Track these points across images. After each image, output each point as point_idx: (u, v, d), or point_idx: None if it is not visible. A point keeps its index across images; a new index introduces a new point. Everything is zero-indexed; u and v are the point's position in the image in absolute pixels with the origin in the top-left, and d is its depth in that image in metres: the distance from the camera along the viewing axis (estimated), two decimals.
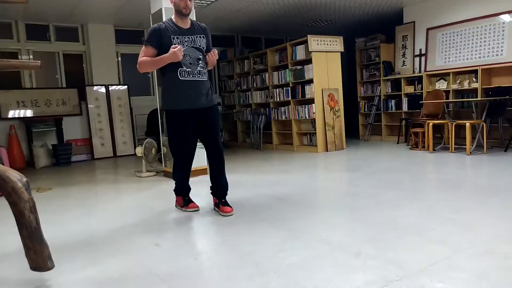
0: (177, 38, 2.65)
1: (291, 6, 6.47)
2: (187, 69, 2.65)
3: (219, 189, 2.85)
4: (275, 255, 1.93)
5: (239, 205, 2.99)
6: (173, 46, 2.54)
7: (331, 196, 3.34)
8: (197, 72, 2.69)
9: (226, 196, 2.88)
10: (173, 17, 2.75)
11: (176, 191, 3.01)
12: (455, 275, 1.59)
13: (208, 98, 2.74)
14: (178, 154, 2.82)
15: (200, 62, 2.71)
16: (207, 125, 2.74)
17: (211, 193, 2.90)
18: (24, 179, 1.82)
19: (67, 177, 5.06)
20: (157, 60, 2.61)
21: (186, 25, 2.73)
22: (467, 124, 4.74)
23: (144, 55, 2.62)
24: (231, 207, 2.79)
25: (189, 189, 3.01)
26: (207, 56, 2.74)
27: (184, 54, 2.59)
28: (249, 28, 7.98)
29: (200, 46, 2.72)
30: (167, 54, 2.53)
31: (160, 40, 2.62)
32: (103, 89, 6.96)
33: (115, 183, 4.51)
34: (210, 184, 2.89)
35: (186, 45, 2.66)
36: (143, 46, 2.65)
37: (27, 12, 5.92)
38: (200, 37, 2.74)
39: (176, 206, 3.02)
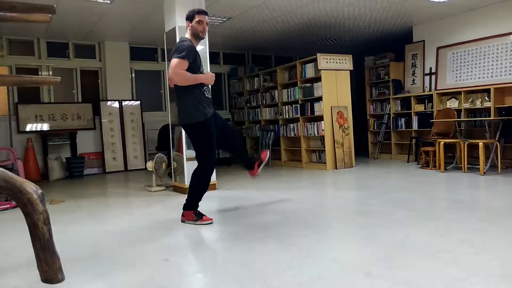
0: (200, 59, 2.99)
1: (301, 25, 6.58)
2: (208, 88, 3.03)
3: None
4: (284, 273, 1.92)
5: (248, 222, 2.99)
6: (211, 73, 3.03)
7: (341, 214, 3.32)
8: (209, 91, 3.07)
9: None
10: (188, 36, 2.99)
11: (189, 205, 3.04)
12: None
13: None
14: (210, 159, 3.02)
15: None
16: (219, 121, 3.16)
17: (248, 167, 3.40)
18: (40, 191, 1.87)
19: (79, 190, 5.13)
20: (196, 78, 2.90)
21: (197, 47, 3.01)
22: (480, 144, 4.68)
23: (182, 68, 2.82)
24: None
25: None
26: None
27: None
28: (260, 46, 8.12)
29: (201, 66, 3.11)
30: (205, 76, 2.95)
31: (193, 58, 2.89)
32: (116, 104, 7.11)
33: (125, 196, 4.55)
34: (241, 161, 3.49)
35: (203, 67, 3.07)
36: (179, 59, 2.80)
37: (49, 30, 6.15)
38: (199, 58, 3.07)
39: (184, 221, 3.04)
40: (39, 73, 6.66)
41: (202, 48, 3.20)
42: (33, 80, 2.15)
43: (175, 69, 2.79)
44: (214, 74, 3.04)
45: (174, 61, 2.80)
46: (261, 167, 3.38)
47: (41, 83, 2.03)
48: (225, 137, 3.22)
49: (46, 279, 1.84)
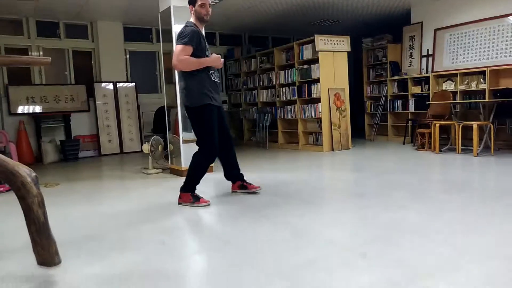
0: (205, 42, 2.97)
1: (298, 6, 6.45)
2: (215, 72, 3.01)
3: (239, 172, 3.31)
4: (281, 254, 1.94)
5: (245, 203, 3.00)
6: (217, 55, 2.95)
7: (337, 196, 3.34)
8: (217, 75, 3.04)
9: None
10: (193, 20, 2.97)
11: (186, 187, 3.03)
12: (461, 278, 1.59)
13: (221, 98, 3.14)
14: (212, 145, 2.98)
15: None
16: (223, 120, 3.13)
17: (232, 179, 3.30)
18: (33, 174, 1.84)
19: (74, 173, 5.11)
20: (201, 62, 2.88)
21: (203, 30, 3.00)
22: (475, 126, 4.70)
23: (185, 54, 2.82)
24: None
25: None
26: None
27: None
28: (256, 27, 7.98)
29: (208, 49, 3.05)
30: (211, 59, 2.91)
31: (198, 42, 2.87)
32: (111, 86, 7.01)
33: (121, 179, 4.54)
34: (226, 173, 3.31)
35: (209, 51, 3.03)
36: (182, 46, 2.82)
37: (38, 9, 5.98)
38: (206, 41, 3.04)
39: (181, 203, 3.04)
40: (29, 53, 6.50)
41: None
42: (23, 60, 2.09)
43: (178, 56, 2.79)
44: (220, 55, 2.97)
45: (178, 47, 2.81)
46: (242, 190, 3.29)
47: (31, 64, 1.98)
48: (221, 136, 3.12)
49: (42, 262, 1.83)
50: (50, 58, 1.94)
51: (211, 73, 2.96)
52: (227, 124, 3.25)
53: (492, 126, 4.86)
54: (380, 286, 1.54)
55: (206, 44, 3.01)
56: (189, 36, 2.82)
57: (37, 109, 6.45)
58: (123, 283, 1.71)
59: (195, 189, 3.05)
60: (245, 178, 3.34)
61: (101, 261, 1.97)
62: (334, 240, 2.11)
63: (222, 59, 2.99)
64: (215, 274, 1.79)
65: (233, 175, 3.31)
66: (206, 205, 2.96)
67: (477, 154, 4.77)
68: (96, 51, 6.99)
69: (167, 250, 2.12)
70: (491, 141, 4.88)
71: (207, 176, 3.44)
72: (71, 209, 3.16)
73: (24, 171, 1.82)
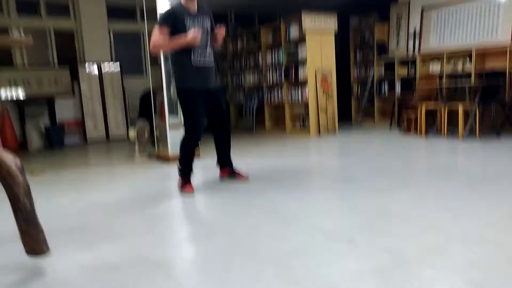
0: (191, 21, 2.78)
1: None
2: (200, 51, 2.81)
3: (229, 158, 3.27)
4: (268, 241, 1.96)
5: (233, 190, 3.01)
6: (193, 30, 2.68)
7: (323, 182, 3.37)
8: (208, 54, 2.87)
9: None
10: (182, 1, 2.84)
11: (179, 170, 3.01)
12: (447, 262, 1.63)
13: (216, 81, 2.98)
14: (193, 128, 2.93)
15: (208, 44, 2.90)
16: (216, 103, 2.99)
17: (221, 164, 3.25)
18: (19, 162, 1.81)
19: (60, 160, 5.03)
20: (174, 43, 2.72)
21: (194, 8, 2.84)
22: (460, 109, 4.76)
23: (158, 36, 2.70)
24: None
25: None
26: (214, 33, 2.91)
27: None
28: (242, 4, 7.78)
29: (207, 29, 2.88)
30: (182, 38, 2.68)
31: (174, 22, 2.72)
32: (95, 68, 6.82)
33: (108, 166, 4.49)
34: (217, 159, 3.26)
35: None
36: (157, 27, 2.72)
37: None
38: (207, 20, 2.88)
39: (183, 191, 2.97)
40: (9, 33, 6.27)
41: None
42: (2, 41, 2.00)
43: (152, 38, 2.71)
44: (198, 30, 2.70)
45: (154, 30, 2.72)
46: (231, 177, 3.27)
47: (12, 44, 1.90)
48: (214, 126, 3.10)
49: (30, 251, 1.82)
50: (31, 38, 1.86)
51: (193, 53, 2.77)
52: (223, 107, 3.08)
53: (477, 109, 4.93)
54: (367, 271, 1.58)
55: (193, 23, 2.78)
56: (163, 16, 2.74)
57: (20, 93, 6.26)
58: (112, 271, 1.72)
59: (189, 174, 3.02)
60: (234, 165, 3.32)
61: (90, 250, 1.97)
62: (322, 227, 2.15)
63: (198, 35, 2.68)
64: (205, 262, 1.80)
65: (223, 160, 3.28)
66: (188, 193, 2.92)
67: (463, 137, 4.85)
68: (79, 31, 6.78)
69: (156, 238, 2.12)
70: (477, 125, 4.95)
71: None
72: (58, 197, 3.13)
73: (9, 159, 1.78)
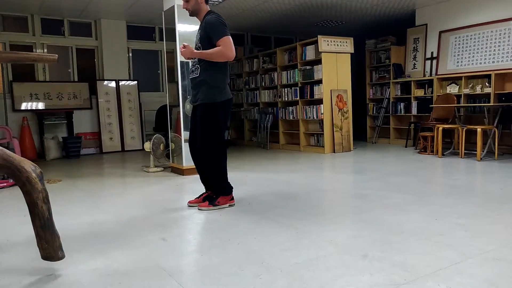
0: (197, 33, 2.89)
1: (301, 6, 6.46)
2: (195, 65, 2.84)
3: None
4: (281, 254, 1.94)
5: (245, 203, 3.01)
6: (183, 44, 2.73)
7: (338, 197, 3.34)
8: (194, 68, 2.83)
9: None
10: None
11: (227, 187, 2.93)
12: (463, 281, 1.59)
13: (196, 96, 2.83)
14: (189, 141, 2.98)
15: (196, 59, 2.80)
16: (197, 120, 2.83)
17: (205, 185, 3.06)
18: (38, 170, 1.85)
19: (76, 170, 5.12)
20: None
21: (200, 20, 2.88)
22: (479, 130, 4.68)
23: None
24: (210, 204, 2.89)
25: None
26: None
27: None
28: (259, 27, 7.99)
29: (197, 43, 2.85)
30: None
31: None
32: (113, 84, 7.03)
33: (123, 177, 4.55)
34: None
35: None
36: (227, 37, 2.67)
37: (43, 6, 6.01)
38: (199, 33, 2.86)
39: (225, 206, 2.92)
40: (34, 50, 6.55)
41: (197, 28, 2.95)
42: (30, 57, 2.10)
43: (231, 46, 2.67)
44: (185, 44, 2.70)
45: (229, 39, 2.67)
46: (212, 207, 2.87)
47: (38, 60, 1.98)
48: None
49: (46, 256, 1.84)
50: (57, 55, 1.95)
51: (189, 67, 2.89)
52: (198, 123, 2.82)
53: (496, 131, 4.85)
54: (381, 286, 1.55)
55: (196, 35, 2.87)
56: (226, 27, 2.73)
57: (40, 105, 6.48)
58: (124, 277, 1.72)
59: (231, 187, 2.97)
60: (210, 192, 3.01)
61: (103, 257, 1.98)
62: (335, 241, 2.12)
63: (183, 49, 2.69)
64: (216, 271, 1.79)
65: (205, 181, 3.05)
66: (231, 205, 2.95)
67: (481, 158, 4.76)
68: (100, 49, 7.02)
69: (167, 247, 2.12)
70: (495, 146, 4.87)
71: (196, 176, 3.40)
72: (73, 205, 3.17)
73: (30, 167, 1.83)
